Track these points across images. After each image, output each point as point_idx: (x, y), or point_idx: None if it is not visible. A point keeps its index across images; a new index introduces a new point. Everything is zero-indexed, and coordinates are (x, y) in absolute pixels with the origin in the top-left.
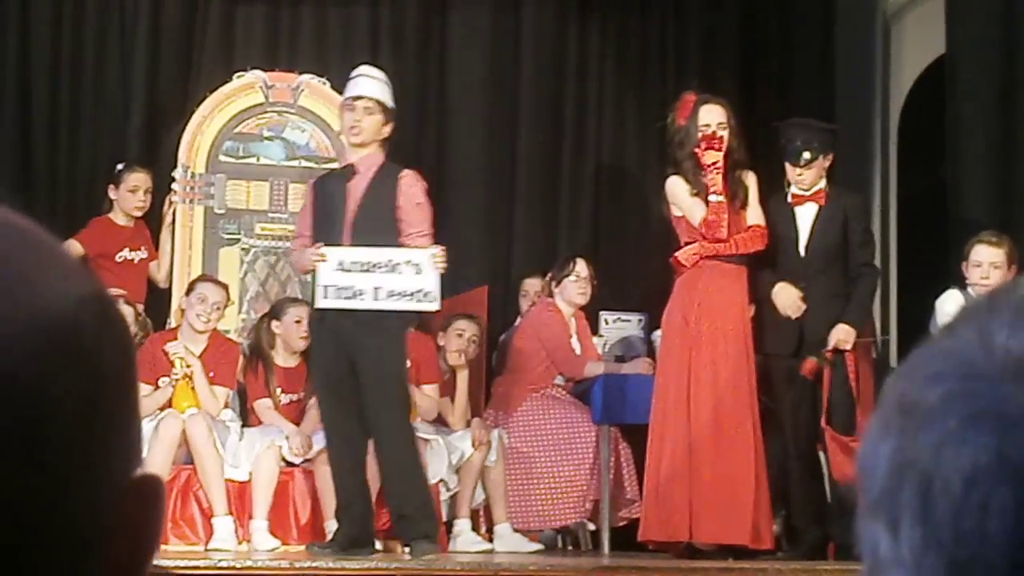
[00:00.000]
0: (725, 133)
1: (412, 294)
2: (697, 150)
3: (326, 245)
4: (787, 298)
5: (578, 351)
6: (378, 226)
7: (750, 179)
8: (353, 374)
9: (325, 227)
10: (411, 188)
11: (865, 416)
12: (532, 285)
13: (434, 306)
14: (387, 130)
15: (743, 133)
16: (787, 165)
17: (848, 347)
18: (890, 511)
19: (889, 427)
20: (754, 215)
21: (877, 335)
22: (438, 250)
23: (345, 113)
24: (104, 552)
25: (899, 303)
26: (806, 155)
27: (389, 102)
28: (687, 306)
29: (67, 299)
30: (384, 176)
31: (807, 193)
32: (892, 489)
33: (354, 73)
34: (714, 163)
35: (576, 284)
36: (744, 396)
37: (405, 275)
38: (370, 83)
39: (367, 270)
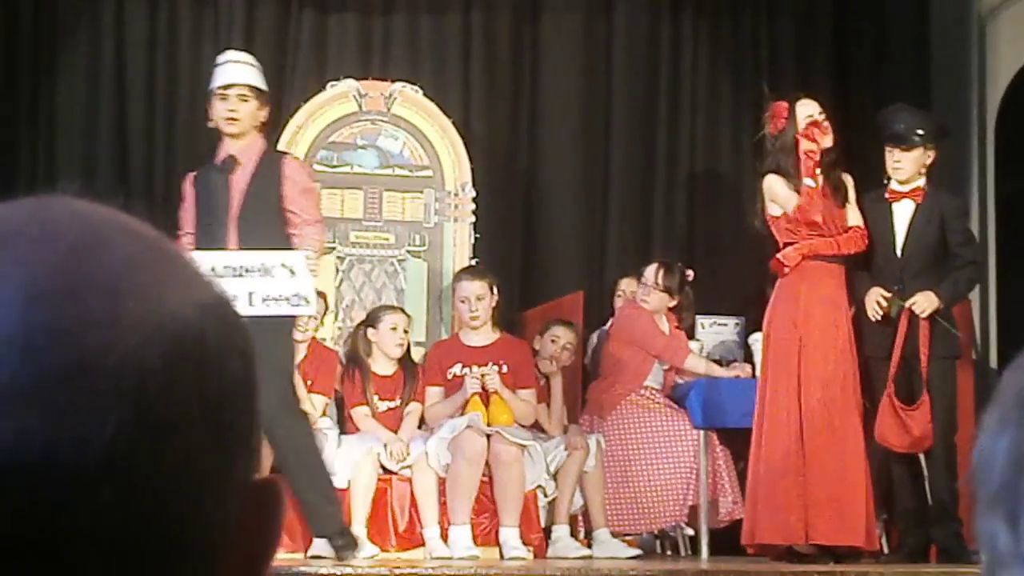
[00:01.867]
0: (824, 122)
1: (287, 299)
2: (798, 140)
3: (204, 247)
4: (872, 298)
5: None
6: (266, 219)
7: (848, 179)
8: None
9: (209, 224)
10: (296, 174)
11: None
12: (628, 285)
13: (309, 310)
14: (263, 115)
15: (837, 133)
16: (887, 151)
17: (923, 313)
18: (1009, 504)
19: (1007, 420)
20: (854, 216)
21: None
22: (312, 252)
23: (217, 103)
24: (226, 556)
25: (998, 302)
26: (909, 138)
27: (262, 86)
28: (792, 308)
29: (193, 306)
30: (267, 165)
31: (905, 189)
32: (1011, 482)
33: (220, 60)
34: (810, 151)
35: (641, 289)
36: (851, 396)
37: (279, 279)
38: (241, 69)
39: (240, 275)
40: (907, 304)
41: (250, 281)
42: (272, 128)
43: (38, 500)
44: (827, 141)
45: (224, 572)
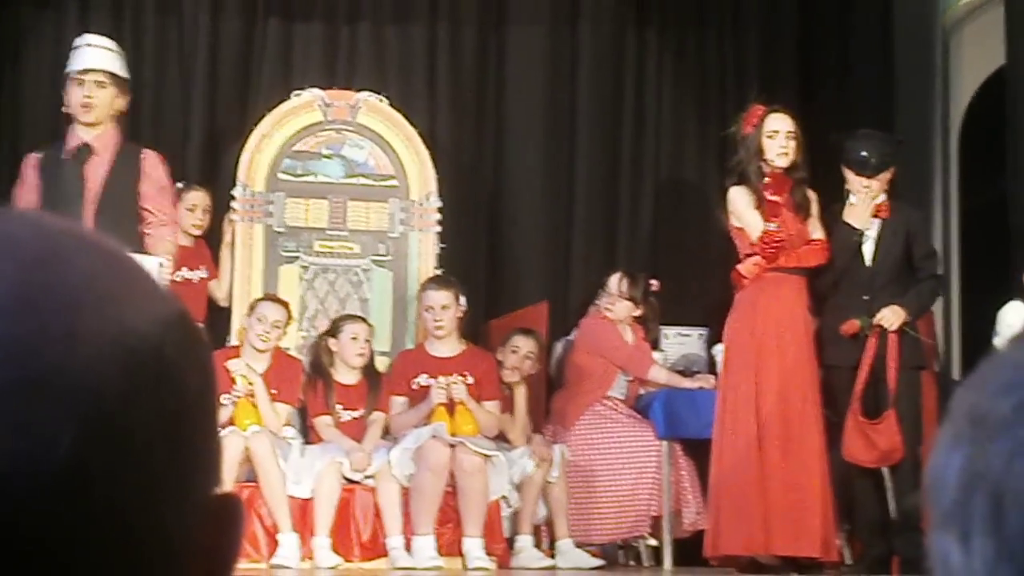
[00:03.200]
0: (793, 142)
1: None
2: (763, 159)
3: None
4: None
5: None
6: (123, 212)
7: (812, 195)
8: None
9: (58, 214)
10: (155, 170)
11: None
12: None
13: None
14: (121, 104)
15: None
16: (850, 175)
17: (891, 327)
18: (961, 523)
19: (960, 438)
20: (816, 230)
21: (936, 341)
22: (166, 258)
23: (73, 88)
24: (187, 570)
25: (961, 315)
26: (876, 165)
27: (122, 73)
28: (751, 319)
29: (152, 320)
30: (124, 157)
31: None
32: (963, 501)
33: (78, 43)
34: (772, 170)
35: (605, 299)
36: (810, 407)
37: None
38: (99, 54)
39: None
40: (875, 320)
41: None
42: (236, 137)
43: None
44: (780, 160)
45: None
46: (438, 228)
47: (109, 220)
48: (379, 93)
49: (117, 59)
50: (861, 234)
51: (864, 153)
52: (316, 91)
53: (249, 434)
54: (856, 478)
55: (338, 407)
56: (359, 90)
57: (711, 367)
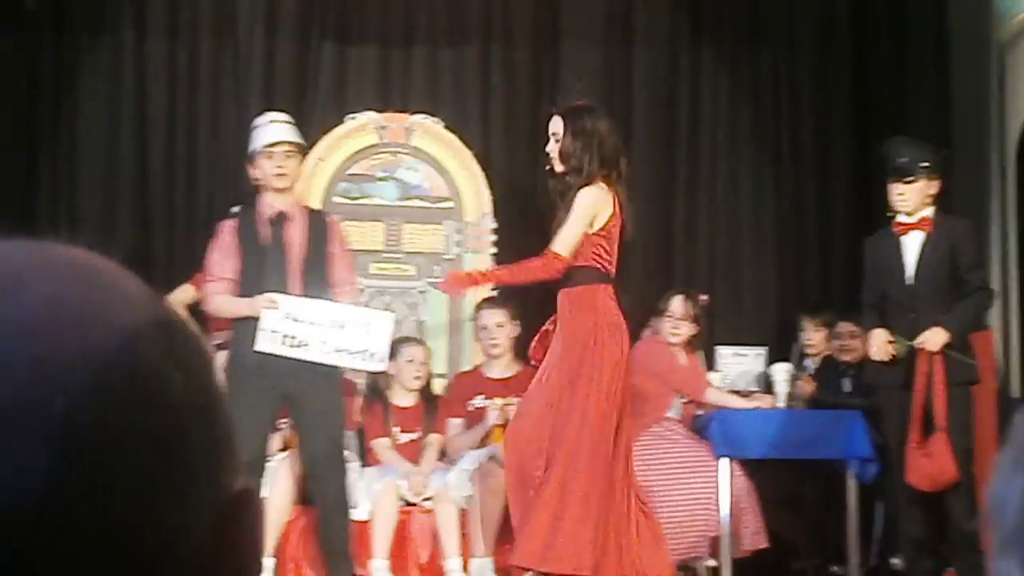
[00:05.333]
0: (557, 145)
1: (358, 352)
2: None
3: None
4: (878, 341)
5: None
6: (320, 274)
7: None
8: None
9: (262, 276)
10: (340, 233)
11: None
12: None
13: (380, 367)
14: (302, 170)
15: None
16: (889, 185)
17: (933, 348)
18: (1023, 546)
19: (1020, 462)
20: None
21: (995, 356)
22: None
23: (264, 161)
24: (210, 570)
25: (1020, 331)
26: (911, 170)
27: (301, 140)
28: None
29: (121, 332)
30: (315, 222)
31: (912, 220)
32: None
33: (261, 121)
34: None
35: (669, 321)
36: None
37: (352, 333)
38: (284, 128)
39: (315, 323)
40: (916, 343)
41: (324, 330)
42: None
43: None
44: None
45: None
46: (493, 249)
47: (313, 281)
48: (433, 115)
49: (297, 131)
50: (900, 248)
51: (897, 158)
52: (371, 114)
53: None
54: (903, 496)
55: (395, 429)
56: (414, 112)
57: (768, 386)
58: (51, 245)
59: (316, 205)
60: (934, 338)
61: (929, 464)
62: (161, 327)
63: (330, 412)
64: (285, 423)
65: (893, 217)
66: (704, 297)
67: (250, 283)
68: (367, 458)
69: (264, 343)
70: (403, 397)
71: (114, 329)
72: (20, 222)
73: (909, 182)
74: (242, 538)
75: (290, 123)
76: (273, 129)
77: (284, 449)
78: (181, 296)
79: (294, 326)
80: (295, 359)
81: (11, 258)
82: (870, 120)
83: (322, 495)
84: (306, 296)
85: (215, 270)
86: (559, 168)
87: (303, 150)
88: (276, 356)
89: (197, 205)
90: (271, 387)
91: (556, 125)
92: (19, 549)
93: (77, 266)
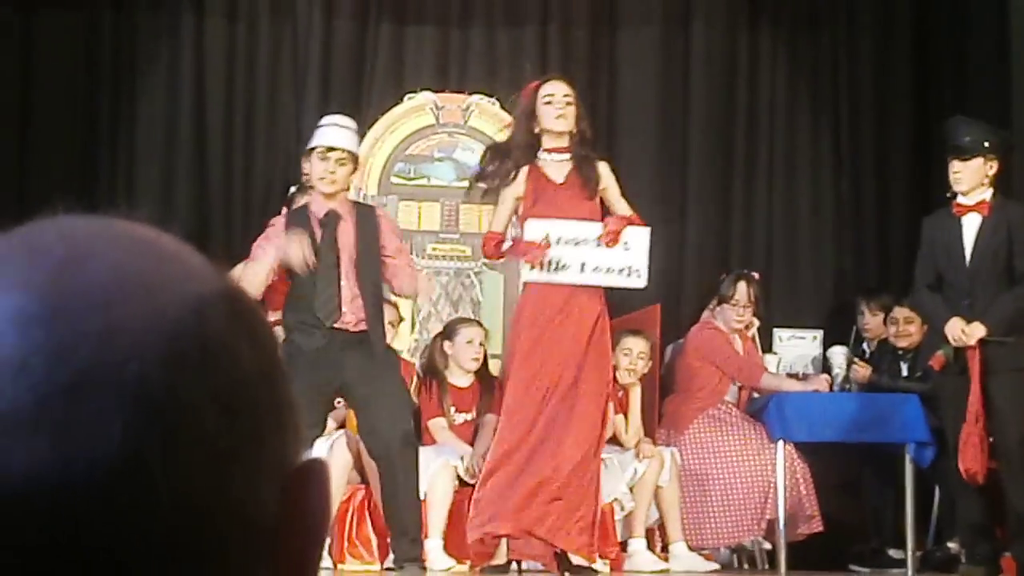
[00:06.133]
0: (572, 108)
1: (621, 270)
2: (535, 117)
3: (301, 295)
4: (955, 331)
5: None
6: (374, 268)
7: (603, 168)
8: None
9: (317, 274)
10: (388, 221)
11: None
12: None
13: (641, 283)
14: (353, 178)
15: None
16: (949, 164)
17: (970, 342)
18: None
19: None
20: (621, 207)
21: None
22: (421, 290)
23: (316, 161)
24: (275, 542)
25: None
26: (967, 148)
27: (357, 150)
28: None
29: (189, 302)
30: (364, 217)
31: (970, 202)
32: None
33: (325, 122)
34: (546, 129)
35: (735, 310)
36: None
37: (613, 251)
38: (343, 134)
39: (576, 244)
40: (956, 344)
41: (584, 251)
42: None
43: (61, 522)
44: (559, 124)
45: (277, 559)
46: None
47: (367, 276)
48: (491, 96)
49: (356, 138)
50: (959, 230)
51: (955, 136)
52: (428, 94)
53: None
54: (959, 480)
55: (451, 409)
56: (471, 93)
57: (826, 369)
58: (116, 220)
59: (373, 186)
60: (972, 331)
61: (962, 457)
62: (227, 297)
63: (398, 398)
64: (340, 402)
65: (953, 197)
66: (755, 275)
67: (303, 283)
68: (423, 438)
69: (527, 271)
70: (460, 378)
71: (183, 298)
72: (80, 202)
73: (966, 160)
74: (309, 510)
75: (351, 129)
76: (332, 133)
77: (340, 428)
78: (239, 275)
79: (554, 249)
80: (556, 283)
81: (78, 230)
82: (930, 101)
83: (394, 483)
84: (363, 291)
85: (256, 252)
86: (570, 128)
87: (355, 160)
88: (541, 284)
89: (254, 185)
90: (326, 381)
91: (567, 89)
92: (92, 516)
93: (143, 238)
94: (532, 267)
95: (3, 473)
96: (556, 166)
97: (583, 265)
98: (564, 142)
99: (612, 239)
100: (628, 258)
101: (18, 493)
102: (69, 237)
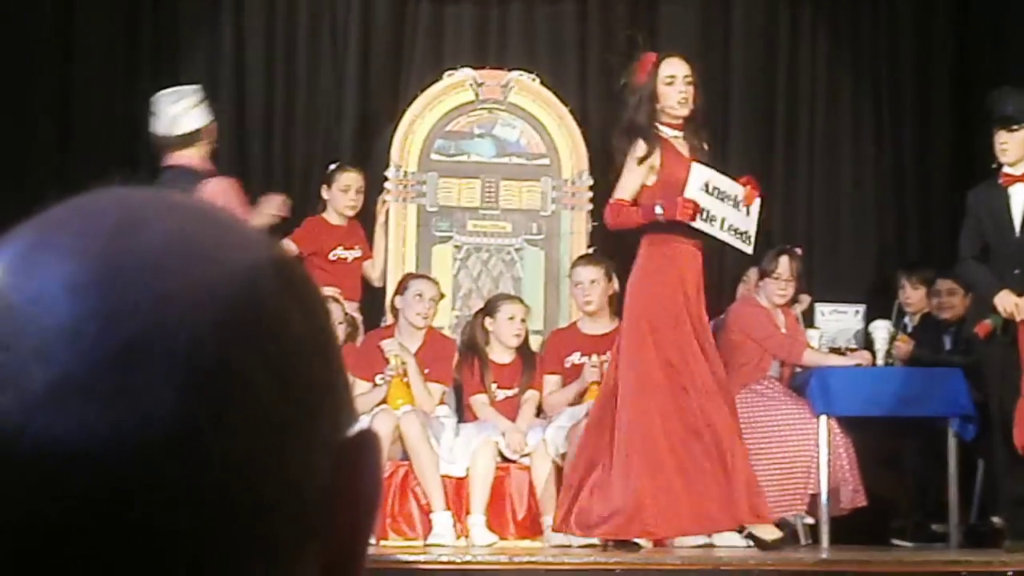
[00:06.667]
0: (692, 88)
1: (740, 233)
2: (656, 95)
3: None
4: (1008, 303)
5: None
6: None
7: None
8: None
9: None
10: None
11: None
12: (754, 273)
13: (749, 250)
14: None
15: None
16: (995, 134)
17: (1019, 317)
18: None
19: None
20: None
21: None
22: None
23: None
24: (326, 516)
25: None
26: (1015, 118)
27: (163, 131)
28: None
29: (242, 270)
30: None
31: (1017, 172)
32: None
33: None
34: (668, 107)
35: (776, 284)
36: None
37: (741, 213)
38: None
39: (722, 199)
40: (1006, 313)
41: (726, 207)
42: (388, 118)
43: (112, 487)
44: (682, 108)
45: (328, 533)
46: (590, 206)
47: None
48: (530, 72)
49: (161, 120)
50: (1007, 200)
51: (1002, 106)
52: (468, 71)
53: (400, 414)
54: (1004, 454)
55: (493, 386)
56: (510, 69)
57: (868, 345)
58: (168, 191)
59: (413, 163)
60: (1013, 304)
61: (1019, 430)
62: (280, 266)
63: None
64: (381, 378)
65: (999, 168)
66: (798, 250)
67: None
68: (464, 414)
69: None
70: (502, 354)
71: (236, 266)
72: (122, 174)
73: (1014, 130)
74: (362, 484)
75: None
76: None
77: (381, 403)
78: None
79: (708, 199)
80: (700, 230)
81: (133, 198)
82: (971, 73)
83: None
84: None
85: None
86: (692, 109)
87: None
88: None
89: (294, 164)
90: None
91: (687, 68)
92: (142, 483)
93: (195, 208)
94: (683, 218)
95: (55, 438)
96: (677, 142)
97: (723, 220)
98: (681, 120)
99: (750, 199)
100: (747, 222)
101: (69, 458)
102: (123, 205)
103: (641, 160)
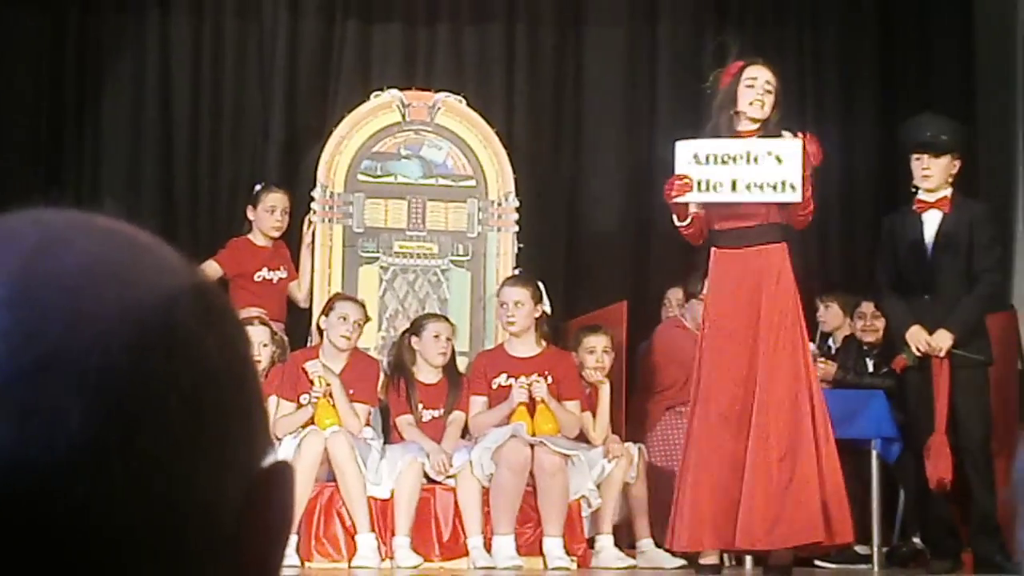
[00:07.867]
0: (771, 96)
1: (775, 185)
2: (737, 97)
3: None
4: (919, 340)
5: None
6: None
7: None
8: None
9: None
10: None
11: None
12: (675, 294)
13: (797, 197)
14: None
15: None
16: (914, 159)
17: (942, 352)
18: None
19: None
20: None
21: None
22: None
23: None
24: (238, 541)
25: None
26: (938, 144)
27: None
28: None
29: (160, 294)
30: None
31: (932, 199)
32: None
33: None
34: (746, 112)
35: (701, 305)
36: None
37: (764, 166)
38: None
39: (724, 162)
40: (923, 350)
41: (734, 168)
42: (315, 138)
43: (19, 505)
44: (754, 110)
45: (240, 557)
46: (516, 228)
47: None
48: (457, 93)
49: None
50: (920, 227)
51: (926, 132)
52: (395, 92)
53: (328, 435)
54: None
55: (419, 406)
56: (437, 91)
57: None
58: (89, 214)
59: (340, 184)
60: (939, 342)
61: (928, 465)
62: (199, 293)
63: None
64: (307, 399)
65: (915, 193)
66: None
67: None
68: (391, 436)
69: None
70: (427, 374)
71: (153, 290)
72: (46, 199)
73: (935, 155)
74: (273, 513)
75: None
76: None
77: (307, 424)
78: (208, 272)
79: (704, 169)
80: (710, 202)
81: (54, 220)
82: (895, 99)
83: None
84: None
85: None
86: (766, 115)
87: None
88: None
89: (219, 184)
90: None
91: (769, 75)
92: (46, 505)
93: (117, 231)
94: (677, 196)
95: None
96: None
97: (735, 183)
98: (754, 126)
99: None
100: (782, 172)
101: None
102: (44, 225)
103: None
